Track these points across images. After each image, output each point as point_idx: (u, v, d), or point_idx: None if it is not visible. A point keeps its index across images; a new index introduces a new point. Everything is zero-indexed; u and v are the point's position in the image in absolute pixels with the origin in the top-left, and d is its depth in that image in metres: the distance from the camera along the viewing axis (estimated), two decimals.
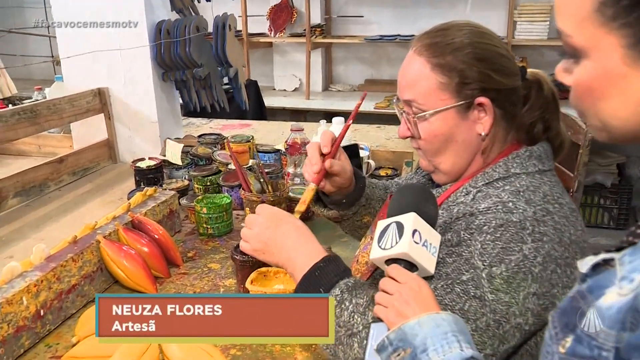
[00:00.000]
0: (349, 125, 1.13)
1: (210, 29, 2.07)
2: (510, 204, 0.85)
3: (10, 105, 2.53)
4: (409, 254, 0.79)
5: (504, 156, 0.95)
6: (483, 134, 0.93)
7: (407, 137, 1.00)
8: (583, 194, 3.43)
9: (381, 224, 0.85)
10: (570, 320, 0.57)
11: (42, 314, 1.03)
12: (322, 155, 1.06)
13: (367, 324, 0.82)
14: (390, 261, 0.82)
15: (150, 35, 1.98)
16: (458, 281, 0.83)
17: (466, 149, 0.95)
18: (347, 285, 0.87)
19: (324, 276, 0.87)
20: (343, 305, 0.85)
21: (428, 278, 0.83)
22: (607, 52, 0.55)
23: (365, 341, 0.81)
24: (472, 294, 0.82)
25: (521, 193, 0.87)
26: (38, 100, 2.34)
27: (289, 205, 1.55)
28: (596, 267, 0.59)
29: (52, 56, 4.82)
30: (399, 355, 0.72)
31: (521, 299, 0.81)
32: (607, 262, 0.58)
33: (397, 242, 0.81)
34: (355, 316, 0.83)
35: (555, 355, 0.58)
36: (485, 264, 0.82)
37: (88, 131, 2.16)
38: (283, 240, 0.93)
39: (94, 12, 1.98)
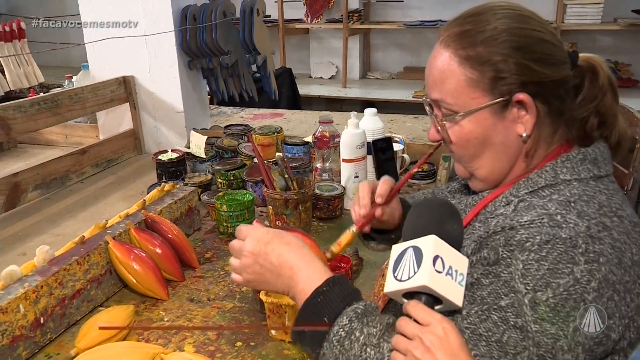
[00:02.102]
0: (412, 174, 1.01)
1: (238, 14, 1.97)
2: (559, 216, 0.71)
3: (42, 94, 2.50)
4: (430, 286, 0.67)
5: (551, 159, 0.80)
6: (525, 135, 0.79)
7: (437, 142, 0.88)
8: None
9: (396, 250, 0.73)
10: None
11: (42, 321, 0.95)
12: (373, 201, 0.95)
13: (382, 358, 0.70)
14: (408, 295, 0.70)
15: (175, 21, 1.90)
16: (495, 307, 0.70)
17: (505, 153, 0.81)
18: (355, 313, 0.74)
19: (328, 303, 0.75)
20: (353, 337, 0.72)
21: (456, 311, 0.71)
22: None
23: None
24: (512, 323, 0.69)
25: (572, 204, 0.73)
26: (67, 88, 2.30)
27: (315, 203, 1.45)
28: None
29: (79, 44, 4.84)
30: None
31: (571, 332, 0.68)
32: None
33: (415, 272, 0.68)
34: (368, 349, 0.71)
35: None
36: (528, 287, 0.69)
37: (114, 121, 2.11)
38: (279, 267, 0.80)
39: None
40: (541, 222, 0.71)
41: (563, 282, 0.68)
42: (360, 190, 0.97)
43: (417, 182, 1.71)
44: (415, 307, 0.66)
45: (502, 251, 0.72)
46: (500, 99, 0.78)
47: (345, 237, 0.95)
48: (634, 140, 2.14)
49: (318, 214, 1.46)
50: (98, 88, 1.88)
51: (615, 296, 0.69)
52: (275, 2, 4.30)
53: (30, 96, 2.45)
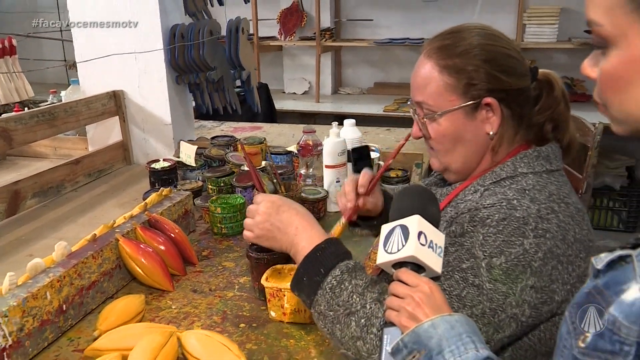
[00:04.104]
0: (387, 165, 1.18)
1: (224, 32, 2.10)
2: (515, 201, 0.88)
3: (26, 109, 2.58)
4: (416, 256, 0.80)
5: (512, 156, 0.97)
6: (491, 133, 0.96)
7: (419, 138, 1.03)
8: (592, 196, 3.43)
9: (385, 228, 0.86)
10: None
11: (64, 308, 1.06)
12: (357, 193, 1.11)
13: (366, 304, 0.85)
14: (397, 265, 0.83)
15: (164, 39, 2.02)
16: (458, 269, 0.86)
17: (475, 148, 0.98)
18: (347, 267, 0.90)
19: (325, 257, 0.91)
20: (342, 286, 0.88)
21: (436, 278, 0.85)
22: (634, 40, 0.57)
23: (362, 320, 0.84)
24: (471, 282, 0.84)
25: (527, 192, 0.90)
26: (54, 103, 2.39)
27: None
28: (612, 264, 0.61)
29: (65, 60, 4.89)
30: (414, 357, 0.74)
31: (518, 291, 0.84)
32: (623, 259, 0.60)
33: (403, 246, 0.81)
34: (354, 296, 0.86)
35: (574, 349, 0.60)
36: (485, 254, 0.85)
37: (103, 133, 2.21)
38: (286, 226, 0.97)
39: (108, 15, 2.02)
40: (500, 205, 0.88)
41: (514, 251, 0.84)
42: (345, 186, 1.12)
43: (392, 187, 1.86)
44: (405, 273, 0.80)
45: (467, 226, 0.88)
46: (472, 101, 0.94)
47: (337, 229, 1.09)
48: (586, 147, 2.35)
49: None
50: (91, 101, 1.99)
51: (559, 266, 0.85)
52: (250, 20, 4.45)
53: (15, 111, 2.54)
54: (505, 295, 0.84)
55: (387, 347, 0.78)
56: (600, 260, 0.61)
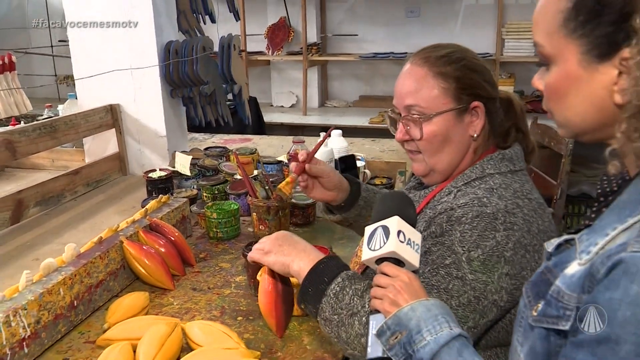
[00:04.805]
0: (322, 142, 1.46)
1: (216, 48, 2.21)
2: (485, 199, 1.00)
3: (22, 122, 2.67)
4: (397, 251, 0.90)
5: (480, 159, 1.09)
6: (475, 135, 1.08)
7: (404, 141, 1.13)
8: (570, 203, 3.57)
9: (369, 229, 0.96)
10: (540, 289, 0.71)
11: (75, 304, 1.15)
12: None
13: (365, 305, 0.94)
14: (380, 260, 0.93)
15: (160, 55, 2.12)
16: (442, 265, 0.97)
17: (460, 148, 1.10)
18: (347, 275, 1.00)
19: (327, 268, 1.00)
20: (344, 291, 0.97)
21: (415, 272, 0.95)
22: (569, 58, 0.69)
23: (364, 318, 0.94)
24: (455, 275, 0.95)
25: (494, 190, 1.02)
26: (52, 116, 2.47)
27: (292, 211, 1.68)
28: (559, 247, 0.73)
29: (56, 75, 4.97)
30: (396, 338, 0.84)
31: (496, 279, 0.95)
32: (568, 242, 0.72)
33: (385, 243, 0.91)
34: (355, 299, 0.96)
35: (529, 319, 0.71)
36: (464, 249, 0.96)
37: (99, 145, 2.30)
38: (292, 247, 1.06)
39: (106, 33, 2.12)
40: (472, 203, 0.99)
41: (489, 244, 0.95)
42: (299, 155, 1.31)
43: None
44: (387, 266, 0.90)
45: (445, 226, 0.99)
46: (463, 105, 1.06)
47: (287, 182, 1.35)
48: (560, 156, 2.49)
49: (294, 220, 1.70)
50: (89, 115, 2.08)
51: (526, 254, 0.97)
52: (239, 35, 4.57)
53: (12, 125, 2.63)
54: (486, 283, 0.95)
55: (373, 331, 0.88)
56: (551, 244, 0.73)
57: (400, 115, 1.12)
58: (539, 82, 0.74)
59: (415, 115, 1.09)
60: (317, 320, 1.01)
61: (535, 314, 0.70)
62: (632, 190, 0.67)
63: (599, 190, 0.77)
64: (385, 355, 0.84)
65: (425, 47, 1.13)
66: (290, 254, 1.05)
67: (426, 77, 1.08)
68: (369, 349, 0.87)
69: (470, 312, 0.95)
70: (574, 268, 0.66)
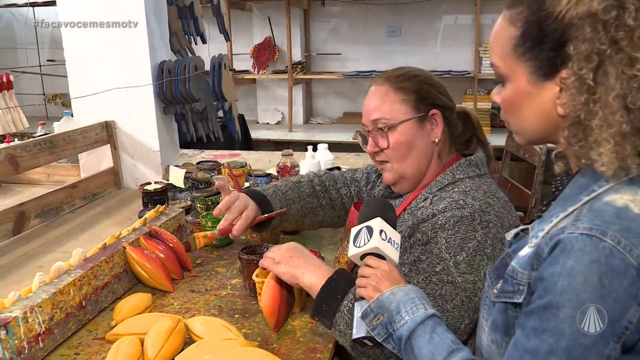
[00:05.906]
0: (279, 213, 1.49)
1: (207, 67, 2.32)
2: (461, 201, 1.12)
3: (16, 139, 2.75)
4: (379, 247, 1.02)
5: (449, 166, 1.22)
6: (436, 140, 1.22)
7: (374, 152, 1.26)
8: None
9: (354, 230, 1.08)
10: (500, 272, 0.83)
11: (83, 304, 1.24)
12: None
13: None
14: (364, 256, 1.05)
15: (153, 74, 2.23)
16: (433, 272, 1.08)
17: (425, 153, 1.23)
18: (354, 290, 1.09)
19: (338, 286, 1.10)
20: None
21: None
22: (520, 77, 0.81)
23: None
24: (446, 280, 1.07)
25: (467, 192, 1.14)
26: (47, 134, 2.56)
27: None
28: (517, 235, 0.85)
29: (44, 94, 5.05)
30: (378, 319, 0.95)
31: (482, 276, 1.07)
32: (524, 231, 0.84)
33: (368, 240, 1.03)
34: None
35: (491, 296, 0.83)
36: (450, 254, 1.08)
37: (94, 160, 2.38)
38: (302, 260, 1.16)
39: (100, 54, 2.23)
40: (451, 206, 1.11)
41: (471, 244, 1.07)
42: (230, 212, 1.39)
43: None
44: (370, 259, 1.02)
45: (430, 234, 1.11)
46: (422, 113, 1.21)
47: (207, 234, 1.42)
48: (533, 167, 2.63)
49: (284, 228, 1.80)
50: (86, 131, 2.17)
51: (503, 247, 1.09)
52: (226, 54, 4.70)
53: (7, 142, 2.71)
54: (474, 282, 1.07)
55: (357, 315, 0.99)
56: (510, 234, 0.85)
57: (369, 131, 1.25)
58: (497, 96, 0.87)
59: (381, 127, 1.22)
60: (331, 330, 1.10)
61: (495, 291, 0.81)
62: (572, 185, 0.79)
63: (553, 189, 0.89)
64: (369, 335, 0.95)
65: (389, 70, 1.30)
66: (300, 267, 1.15)
67: (388, 92, 1.23)
68: (354, 330, 0.98)
69: (465, 311, 1.06)
70: (525, 250, 0.78)
